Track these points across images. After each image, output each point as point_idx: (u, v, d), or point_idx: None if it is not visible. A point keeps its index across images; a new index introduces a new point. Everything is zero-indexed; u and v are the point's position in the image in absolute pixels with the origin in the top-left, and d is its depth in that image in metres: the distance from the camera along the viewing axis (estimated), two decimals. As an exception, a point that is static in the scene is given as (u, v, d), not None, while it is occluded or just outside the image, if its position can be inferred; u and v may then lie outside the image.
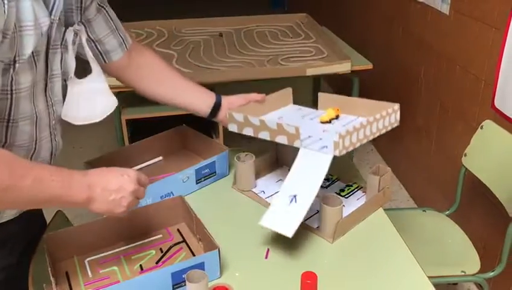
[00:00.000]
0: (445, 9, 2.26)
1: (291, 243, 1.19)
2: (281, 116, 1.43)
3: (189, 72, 2.24)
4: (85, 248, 1.14)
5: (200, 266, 1.04)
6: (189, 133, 1.57)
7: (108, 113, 1.16)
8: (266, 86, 2.95)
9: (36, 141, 1.03)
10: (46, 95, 1.02)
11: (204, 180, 1.41)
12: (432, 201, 2.51)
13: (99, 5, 1.18)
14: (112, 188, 0.97)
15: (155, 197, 1.30)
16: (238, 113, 1.31)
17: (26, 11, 0.87)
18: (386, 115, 1.30)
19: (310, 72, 2.32)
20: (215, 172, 1.44)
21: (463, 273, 1.63)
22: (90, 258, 1.14)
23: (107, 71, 1.27)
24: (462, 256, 1.71)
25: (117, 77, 1.33)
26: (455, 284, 2.18)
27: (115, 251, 1.16)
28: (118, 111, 2.27)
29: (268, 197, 1.34)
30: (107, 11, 1.21)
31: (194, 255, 1.15)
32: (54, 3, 0.94)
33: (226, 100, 1.39)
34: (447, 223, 1.87)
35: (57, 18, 0.96)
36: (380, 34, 3.14)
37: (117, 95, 2.23)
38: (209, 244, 1.08)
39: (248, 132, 1.30)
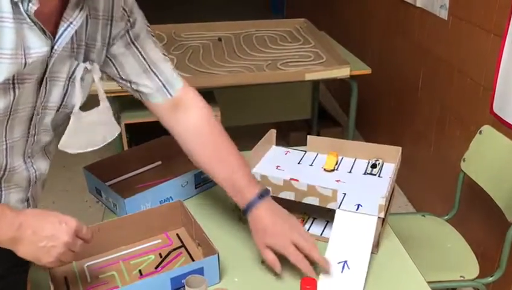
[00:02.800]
0: (443, 14, 2.27)
1: (291, 248, 1.19)
2: (276, 165, 1.36)
3: (189, 77, 2.25)
4: (84, 252, 1.14)
5: (200, 271, 1.04)
6: (189, 138, 1.57)
7: (109, 141, 1.09)
8: (265, 90, 2.97)
9: (5, 169, 0.95)
10: (30, 125, 0.94)
11: (203, 185, 1.41)
12: (430, 206, 2.51)
13: (131, 41, 1.06)
14: (44, 234, 0.87)
15: (154, 202, 1.30)
16: (253, 171, 1.23)
17: (4, 39, 0.80)
18: (399, 161, 1.30)
19: (309, 76, 2.32)
20: (214, 177, 1.43)
21: (462, 279, 1.63)
22: (89, 263, 1.13)
23: (150, 110, 1.16)
24: (461, 261, 1.71)
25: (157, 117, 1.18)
26: (454, 289, 2.18)
27: (114, 255, 1.16)
28: (117, 115, 2.26)
29: None
30: (138, 50, 1.07)
31: (193, 260, 1.14)
32: (61, 35, 0.88)
33: (255, 215, 1.09)
34: (446, 228, 1.87)
35: (63, 49, 0.90)
36: (378, 39, 3.15)
37: (116, 99, 2.25)
38: (209, 249, 1.08)
39: None
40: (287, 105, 3.19)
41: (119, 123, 2.29)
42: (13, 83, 0.85)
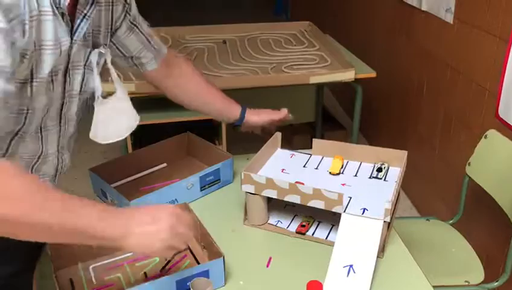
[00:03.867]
0: (449, 18, 2.26)
1: (294, 252, 1.19)
2: (282, 168, 1.36)
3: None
4: (89, 254, 1.14)
5: (205, 273, 1.04)
6: (194, 140, 1.57)
7: (134, 129, 1.24)
8: (269, 93, 2.97)
9: (40, 156, 1.03)
10: (61, 114, 1.03)
11: (209, 187, 1.42)
12: (435, 210, 2.50)
13: (131, 23, 1.19)
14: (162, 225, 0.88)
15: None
16: (258, 174, 1.26)
17: (47, 31, 0.88)
18: (404, 165, 1.30)
19: (314, 80, 2.32)
20: (219, 179, 1.44)
21: (467, 283, 1.62)
22: (95, 265, 1.14)
23: (145, 78, 1.36)
24: (466, 266, 1.70)
25: (154, 85, 1.40)
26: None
27: (119, 257, 1.16)
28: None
29: (289, 226, 1.28)
30: (138, 28, 1.22)
31: (198, 263, 1.14)
32: (79, 26, 0.96)
33: (250, 115, 1.46)
34: (451, 233, 1.87)
35: (80, 39, 0.97)
36: (383, 42, 3.14)
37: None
38: (214, 252, 1.08)
39: (270, 194, 1.22)
40: (291, 108, 3.16)
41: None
42: (51, 76, 0.93)
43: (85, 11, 0.97)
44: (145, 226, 0.86)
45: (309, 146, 1.47)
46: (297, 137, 3.25)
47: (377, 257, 1.12)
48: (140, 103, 2.40)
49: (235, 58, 2.55)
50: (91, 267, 1.13)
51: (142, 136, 2.33)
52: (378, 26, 3.21)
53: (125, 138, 2.30)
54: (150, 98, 2.28)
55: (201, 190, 1.40)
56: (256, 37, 2.89)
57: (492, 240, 2.02)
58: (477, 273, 1.65)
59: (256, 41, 2.82)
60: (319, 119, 3.29)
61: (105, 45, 1.11)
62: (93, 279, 1.10)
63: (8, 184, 0.75)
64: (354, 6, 3.69)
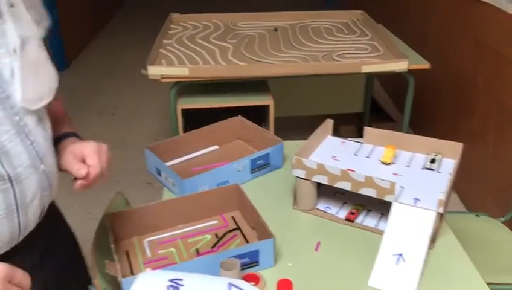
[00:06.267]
0: (511, 8, 2.18)
1: (342, 238, 1.20)
2: (332, 155, 1.36)
3: (244, 65, 2.27)
4: (144, 228, 1.19)
5: (255, 253, 1.07)
6: (244, 124, 1.59)
7: (54, 90, 0.98)
8: (318, 82, 2.96)
9: None
10: None
11: (259, 170, 1.44)
12: (483, 206, 2.44)
13: None
14: None
15: (211, 184, 1.33)
16: (309, 159, 1.27)
17: None
18: (459, 157, 1.28)
19: (365, 69, 2.30)
20: (269, 163, 1.45)
21: (517, 282, 1.58)
22: (149, 238, 1.18)
23: None
24: (517, 264, 1.66)
25: None
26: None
27: (173, 233, 1.20)
28: (174, 100, 2.32)
29: (338, 213, 1.29)
30: None
31: (247, 242, 1.17)
32: None
33: (65, 146, 1.04)
34: (501, 230, 1.82)
35: None
36: (438, 34, 3.06)
37: (174, 85, 2.30)
38: (264, 233, 1.10)
39: (321, 180, 1.23)
40: (340, 97, 3.16)
41: (175, 108, 2.35)
42: None
43: None
44: None
45: (356, 136, 1.46)
46: (344, 127, 3.23)
47: (428, 248, 1.11)
48: (192, 86, 2.46)
49: (285, 45, 2.56)
50: (146, 240, 1.18)
51: (193, 119, 2.38)
52: (433, 17, 3.13)
53: (176, 121, 2.36)
54: (203, 82, 2.33)
55: (251, 173, 1.42)
56: (308, 25, 2.88)
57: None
58: (529, 273, 1.61)
59: (307, 29, 2.81)
60: (367, 110, 3.25)
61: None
62: (148, 252, 1.14)
63: None
64: (408, -4, 3.61)
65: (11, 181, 0.88)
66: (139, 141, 3.19)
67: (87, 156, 1.00)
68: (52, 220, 1.08)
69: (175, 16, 2.96)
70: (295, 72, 2.29)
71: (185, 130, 2.38)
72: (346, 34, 2.72)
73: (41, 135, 0.95)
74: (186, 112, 2.39)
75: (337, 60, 2.36)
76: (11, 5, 0.88)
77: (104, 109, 3.90)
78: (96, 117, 3.75)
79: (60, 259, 1.12)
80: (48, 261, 1.07)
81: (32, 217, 0.94)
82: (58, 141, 1.05)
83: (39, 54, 0.95)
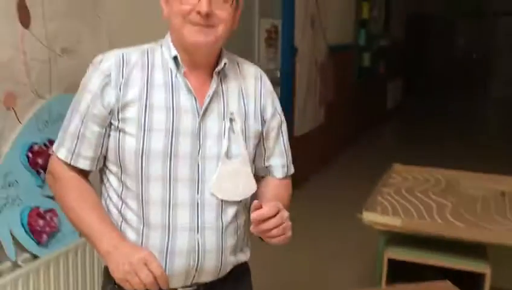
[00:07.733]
0: None
1: None
2: None
3: (462, 226, 2.17)
4: None
5: None
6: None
7: (248, 195, 1.24)
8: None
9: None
10: None
11: None
12: None
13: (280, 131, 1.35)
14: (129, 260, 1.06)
15: None
16: None
17: None
18: None
19: None
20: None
21: None
22: None
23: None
24: None
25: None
26: None
27: None
28: (382, 248, 2.32)
29: None
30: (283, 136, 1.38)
31: None
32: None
33: None
34: None
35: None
36: None
37: (384, 232, 2.31)
38: None
39: None
40: None
41: (382, 257, 2.34)
42: None
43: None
44: (121, 256, 1.07)
45: None
46: None
47: None
48: (402, 236, 2.42)
49: (512, 213, 2.36)
50: None
51: (397, 269, 2.32)
52: None
53: (381, 270, 2.33)
54: (413, 235, 2.28)
55: None
56: (544, 195, 2.63)
57: None
58: None
59: (543, 200, 2.56)
60: None
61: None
62: None
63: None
64: None
65: None
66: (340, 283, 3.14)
67: None
68: None
69: (398, 166, 3.04)
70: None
71: (388, 281, 2.32)
72: None
73: None
74: (392, 263, 2.35)
75: None
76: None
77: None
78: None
79: None
80: None
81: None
82: None
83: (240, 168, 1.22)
